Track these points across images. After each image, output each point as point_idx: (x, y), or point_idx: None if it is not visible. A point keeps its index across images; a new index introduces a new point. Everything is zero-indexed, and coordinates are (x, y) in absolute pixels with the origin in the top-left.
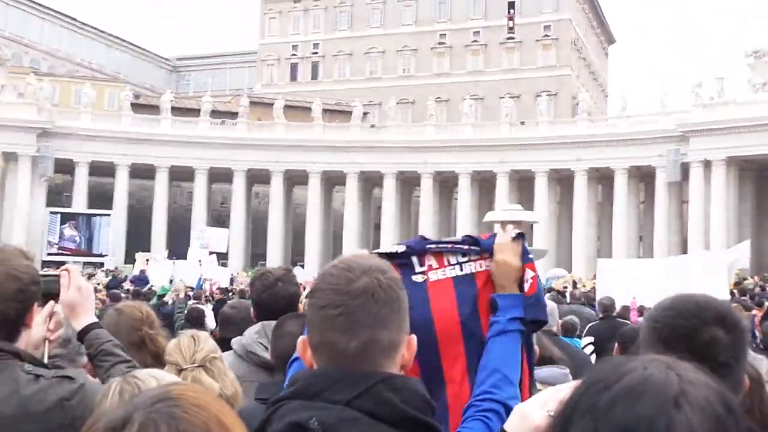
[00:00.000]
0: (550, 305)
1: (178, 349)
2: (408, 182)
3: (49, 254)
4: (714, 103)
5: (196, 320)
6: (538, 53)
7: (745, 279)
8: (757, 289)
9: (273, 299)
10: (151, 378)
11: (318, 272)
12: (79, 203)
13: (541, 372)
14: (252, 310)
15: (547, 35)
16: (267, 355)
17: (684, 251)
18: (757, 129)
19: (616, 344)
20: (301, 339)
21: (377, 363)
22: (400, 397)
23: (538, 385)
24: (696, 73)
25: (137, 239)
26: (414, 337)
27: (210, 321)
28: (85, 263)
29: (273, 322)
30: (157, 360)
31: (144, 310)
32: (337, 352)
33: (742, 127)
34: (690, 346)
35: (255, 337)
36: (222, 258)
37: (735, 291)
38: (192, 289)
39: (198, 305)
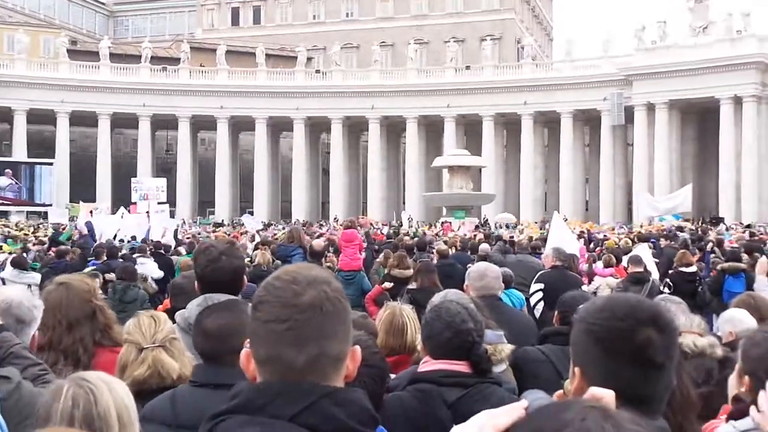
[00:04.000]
0: (493, 270)
1: (138, 329)
2: (355, 127)
3: None
4: (656, 47)
5: (130, 276)
6: None
7: (688, 221)
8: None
9: (217, 274)
10: (102, 383)
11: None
12: (19, 152)
13: None
14: (196, 283)
15: None
16: None
17: (629, 194)
18: (697, 72)
19: (556, 312)
20: (245, 352)
21: (325, 376)
22: (345, 411)
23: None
24: (639, 18)
25: (81, 188)
26: (358, 348)
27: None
28: (28, 213)
29: (215, 295)
30: (107, 330)
31: (89, 282)
32: (284, 366)
33: (684, 70)
34: (627, 347)
35: (197, 309)
36: (170, 206)
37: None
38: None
39: (142, 257)
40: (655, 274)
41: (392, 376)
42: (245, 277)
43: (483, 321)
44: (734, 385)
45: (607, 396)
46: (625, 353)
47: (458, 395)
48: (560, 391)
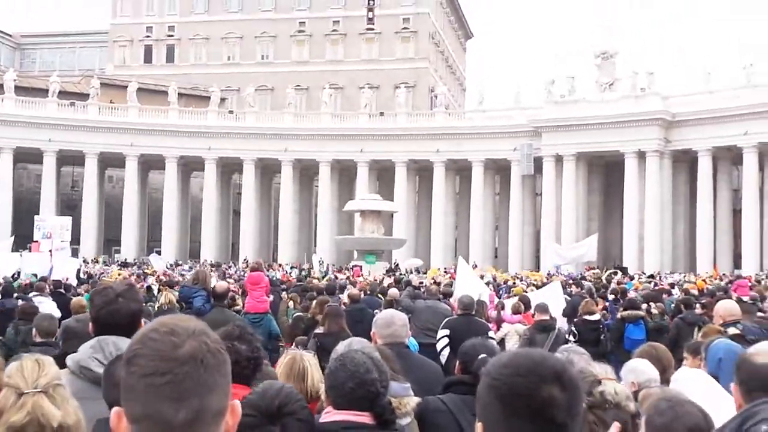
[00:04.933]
0: (400, 317)
1: (20, 373)
2: (268, 169)
3: None
4: (565, 101)
5: (29, 317)
6: (397, 45)
7: (593, 269)
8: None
9: (112, 316)
10: None
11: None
12: None
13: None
14: (90, 325)
15: (406, 27)
16: (102, 371)
17: (537, 243)
18: (604, 126)
19: (458, 362)
20: (115, 411)
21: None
22: None
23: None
24: (549, 71)
25: None
26: (237, 402)
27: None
28: None
29: (110, 338)
30: None
31: None
32: (162, 423)
33: (591, 124)
34: (528, 404)
35: (90, 351)
36: (74, 244)
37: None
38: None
39: (40, 296)
40: (560, 318)
41: None
42: (143, 321)
43: (388, 371)
44: None
45: None
46: (525, 411)
47: None
48: None
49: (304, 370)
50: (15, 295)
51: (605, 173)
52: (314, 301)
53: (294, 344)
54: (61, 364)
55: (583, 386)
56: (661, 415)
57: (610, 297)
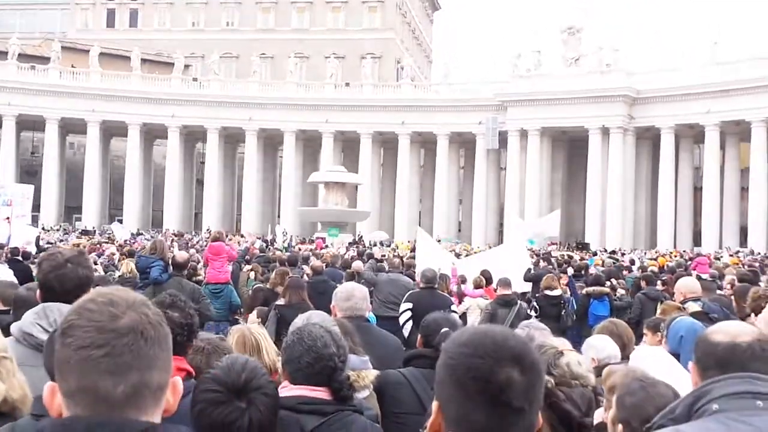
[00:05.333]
0: (360, 290)
1: None
2: (232, 138)
3: None
4: (531, 75)
5: None
6: (363, 15)
7: (555, 245)
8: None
9: (60, 281)
10: None
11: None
12: None
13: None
14: (38, 292)
15: None
16: (45, 337)
17: (501, 216)
18: (568, 102)
19: (419, 336)
20: (49, 385)
21: (144, 408)
22: None
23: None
24: (515, 46)
25: None
26: (179, 379)
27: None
28: None
29: (54, 304)
30: None
31: None
32: (100, 398)
33: (555, 99)
34: (484, 387)
35: (33, 317)
36: (34, 211)
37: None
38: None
39: None
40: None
41: None
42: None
43: (347, 346)
44: (603, 420)
45: None
46: (480, 393)
47: (317, 423)
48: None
49: (257, 342)
50: None
51: (569, 149)
52: (274, 272)
53: (256, 315)
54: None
55: (544, 368)
56: (632, 395)
57: (571, 272)
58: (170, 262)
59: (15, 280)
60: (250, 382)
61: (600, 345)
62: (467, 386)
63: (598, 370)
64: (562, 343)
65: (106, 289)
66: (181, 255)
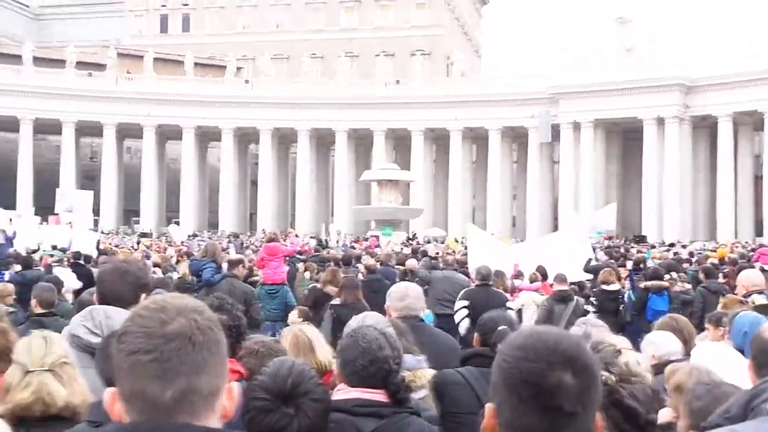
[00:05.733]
0: (414, 290)
1: (27, 350)
2: (285, 139)
3: None
4: (583, 67)
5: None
6: (412, 12)
7: (611, 238)
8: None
9: (115, 287)
10: None
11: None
12: None
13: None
14: (95, 296)
15: None
16: (91, 338)
17: (555, 210)
18: (622, 92)
19: (476, 334)
20: (110, 391)
21: (196, 414)
22: None
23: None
24: (567, 37)
25: (1, 195)
26: (236, 384)
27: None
28: None
29: (101, 307)
30: (6, 354)
31: None
32: (150, 403)
33: (609, 90)
34: (535, 391)
35: (80, 320)
36: (95, 214)
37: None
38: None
39: (59, 266)
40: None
41: None
42: (145, 294)
43: (401, 347)
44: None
45: None
46: (531, 397)
47: (374, 426)
48: None
49: (310, 342)
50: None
51: (624, 140)
52: (325, 271)
53: (297, 314)
54: None
55: (600, 370)
56: (699, 399)
57: (630, 266)
58: (224, 263)
59: (78, 284)
60: (297, 387)
61: (660, 341)
62: (519, 390)
63: (659, 367)
64: (621, 342)
65: (161, 296)
66: (234, 256)
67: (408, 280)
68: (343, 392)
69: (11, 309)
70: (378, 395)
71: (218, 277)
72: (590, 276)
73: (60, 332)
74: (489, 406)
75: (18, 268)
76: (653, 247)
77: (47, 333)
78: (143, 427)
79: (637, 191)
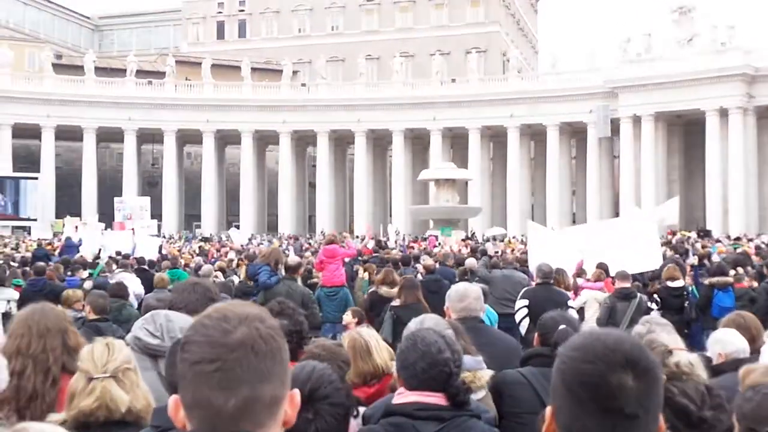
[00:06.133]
0: (474, 290)
1: (90, 357)
2: (342, 140)
3: None
4: (641, 60)
5: (123, 294)
6: (467, 10)
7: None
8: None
9: (187, 300)
10: None
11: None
12: (4, 167)
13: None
14: (167, 305)
15: None
16: (151, 340)
17: (616, 206)
18: (683, 84)
19: (537, 334)
20: (173, 399)
21: (259, 422)
22: None
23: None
24: (624, 30)
25: (66, 202)
26: (297, 391)
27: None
28: (13, 227)
29: (162, 311)
30: (75, 353)
31: (63, 309)
32: (213, 412)
33: (669, 82)
34: (594, 393)
35: (141, 323)
36: (157, 219)
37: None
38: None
39: (124, 272)
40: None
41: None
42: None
43: (461, 350)
44: None
45: None
46: (590, 400)
47: (434, 429)
48: None
49: (367, 345)
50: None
51: (685, 133)
52: (381, 272)
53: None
54: None
55: (662, 374)
56: (748, 401)
57: (694, 261)
58: (283, 266)
59: (142, 289)
60: (315, 392)
61: (727, 339)
62: (577, 392)
63: (727, 366)
64: (674, 341)
65: (222, 305)
66: (293, 259)
67: (467, 280)
68: (403, 396)
69: (79, 314)
70: (438, 398)
71: (275, 280)
72: (657, 265)
73: (114, 336)
74: (548, 409)
75: (85, 274)
76: (718, 241)
77: (110, 340)
78: None
79: (701, 185)
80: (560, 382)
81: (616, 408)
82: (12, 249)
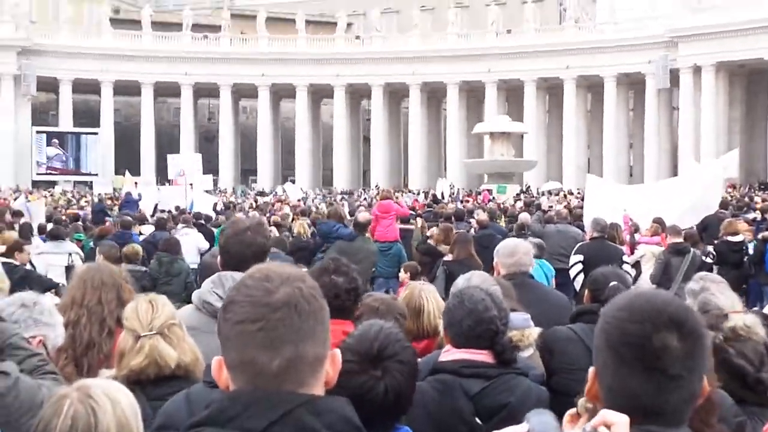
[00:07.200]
0: (524, 246)
1: (135, 315)
2: (396, 94)
3: (39, 174)
4: (702, 7)
5: (173, 249)
6: None
7: (734, 187)
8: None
9: (239, 247)
10: (106, 399)
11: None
12: (65, 122)
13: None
14: (219, 258)
15: None
16: (220, 305)
17: (674, 160)
18: (745, 33)
19: (587, 290)
20: (216, 359)
21: (302, 381)
22: (323, 421)
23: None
24: None
25: (126, 157)
26: (338, 351)
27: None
28: (75, 182)
29: (229, 273)
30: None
31: (116, 267)
32: (257, 372)
33: (732, 31)
34: (638, 354)
35: (210, 286)
36: (213, 173)
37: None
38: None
39: (186, 227)
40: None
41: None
42: (267, 258)
43: (508, 308)
44: None
45: (618, 423)
46: (634, 360)
47: (481, 387)
48: (572, 411)
49: (420, 306)
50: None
51: (747, 83)
52: (438, 228)
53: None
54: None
55: (708, 337)
56: None
57: (754, 215)
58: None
59: (206, 243)
60: (384, 350)
61: None
62: (621, 352)
63: None
64: (731, 302)
65: (264, 265)
66: (363, 216)
67: (522, 236)
68: (449, 353)
69: (142, 269)
70: (484, 356)
71: (354, 234)
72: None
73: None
74: (591, 370)
75: (142, 229)
76: None
77: (152, 296)
78: (254, 395)
79: (763, 136)
80: (604, 341)
81: (660, 368)
82: (75, 205)
